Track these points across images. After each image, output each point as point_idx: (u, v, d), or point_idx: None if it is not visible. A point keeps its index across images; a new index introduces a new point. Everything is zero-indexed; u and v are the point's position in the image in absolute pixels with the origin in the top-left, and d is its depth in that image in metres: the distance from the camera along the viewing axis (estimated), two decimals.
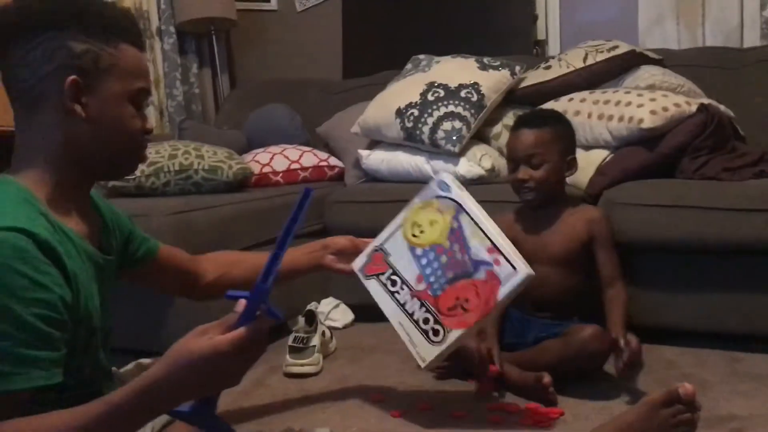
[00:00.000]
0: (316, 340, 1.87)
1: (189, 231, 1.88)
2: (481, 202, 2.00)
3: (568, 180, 2.18)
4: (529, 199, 1.78)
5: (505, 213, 1.87)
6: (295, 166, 2.62)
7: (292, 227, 0.93)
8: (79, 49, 0.95)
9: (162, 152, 2.21)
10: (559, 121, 1.83)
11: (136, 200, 2.08)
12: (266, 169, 2.56)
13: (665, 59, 2.47)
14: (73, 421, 0.80)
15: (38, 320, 0.83)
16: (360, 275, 1.51)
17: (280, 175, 2.58)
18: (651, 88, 2.23)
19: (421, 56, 2.68)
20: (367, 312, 1.94)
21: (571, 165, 1.80)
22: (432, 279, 1.40)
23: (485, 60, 2.48)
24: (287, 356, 1.86)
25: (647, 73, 2.31)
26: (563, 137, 1.78)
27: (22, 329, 0.81)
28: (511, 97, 2.46)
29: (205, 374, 0.84)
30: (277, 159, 2.61)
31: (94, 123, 0.97)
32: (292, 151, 2.67)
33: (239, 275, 1.40)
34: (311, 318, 1.94)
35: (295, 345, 1.87)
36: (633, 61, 2.37)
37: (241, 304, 0.88)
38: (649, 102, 2.06)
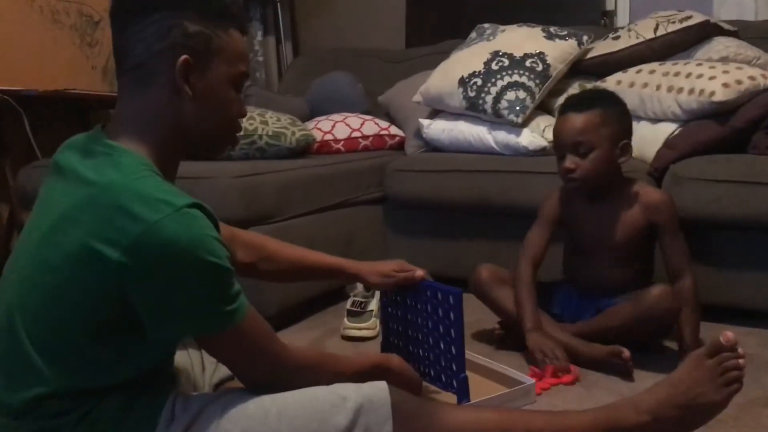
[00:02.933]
0: (373, 305, 1.91)
1: (254, 194, 1.92)
2: (544, 174, 2.01)
3: (634, 154, 2.15)
4: (576, 189, 1.68)
5: (551, 192, 1.79)
6: (356, 134, 2.63)
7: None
8: (193, 30, 0.97)
9: None
10: (610, 102, 1.68)
11: (202, 164, 2.12)
12: (328, 137, 2.59)
13: (740, 31, 2.37)
14: None
15: (232, 268, 0.95)
16: None
17: (342, 143, 2.60)
18: (724, 60, 2.15)
19: (486, 25, 2.64)
20: None
21: (625, 150, 1.66)
22: None
23: (552, 29, 2.44)
24: (345, 320, 1.90)
25: (721, 45, 2.23)
26: (615, 120, 1.65)
27: (231, 276, 0.94)
28: (577, 68, 2.41)
29: None
30: (339, 127, 2.63)
31: (199, 103, 0.99)
32: (354, 120, 2.68)
33: (273, 269, 1.40)
34: None
35: (353, 309, 1.91)
36: (706, 32, 2.29)
37: None
38: (722, 74, 2.00)
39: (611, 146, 1.63)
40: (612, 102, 1.68)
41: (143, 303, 0.90)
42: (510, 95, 2.26)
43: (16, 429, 0.95)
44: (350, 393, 1.00)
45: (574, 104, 1.67)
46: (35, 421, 0.94)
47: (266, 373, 1.00)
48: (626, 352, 1.54)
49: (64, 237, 0.91)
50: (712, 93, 1.96)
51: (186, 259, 0.88)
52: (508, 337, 1.77)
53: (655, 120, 2.14)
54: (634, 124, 2.18)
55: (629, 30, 2.40)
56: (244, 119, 2.21)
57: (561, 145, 1.66)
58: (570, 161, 1.63)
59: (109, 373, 0.95)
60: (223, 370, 1.23)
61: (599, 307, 1.68)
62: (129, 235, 0.86)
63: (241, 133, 1.20)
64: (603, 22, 3.09)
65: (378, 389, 1.02)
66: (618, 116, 1.67)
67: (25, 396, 0.93)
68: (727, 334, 1.10)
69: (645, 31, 2.34)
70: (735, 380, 1.10)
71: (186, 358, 1.22)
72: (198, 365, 1.24)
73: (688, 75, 2.06)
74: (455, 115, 2.44)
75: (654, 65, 2.22)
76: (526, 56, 2.33)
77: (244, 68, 1.04)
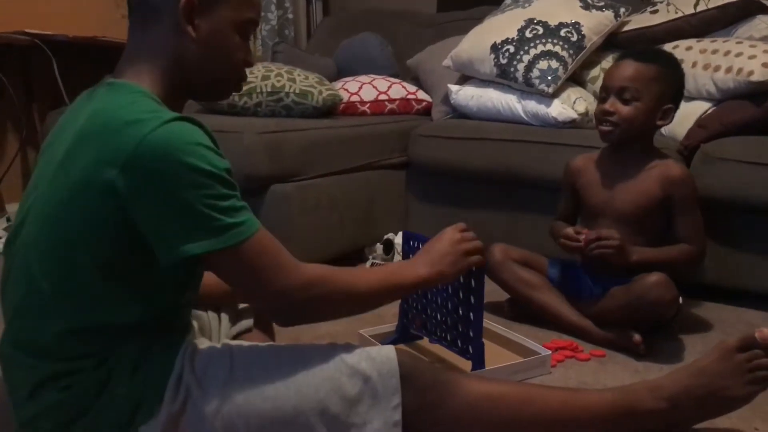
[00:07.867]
0: None
1: (279, 151, 1.92)
2: (572, 146, 1.98)
3: (664, 132, 2.12)
4: (607, 133, 1.66)
5: (594, 152, 1.78)
6: (382, 97, 2.61)
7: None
8: None
9: (255, 73, 2.25)
10: (670, 63, 1.68)
11: (228, 118, 2.13)
12: (354, 98, 2.57)
13: None
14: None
15: (234, 180, 0.93)
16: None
17: (368, 105, 2.58)
18: (766, 39, 2.10)
19: None
20: None
21: (666, 115, 1.65)
22: None
23: None
24: None
25: (763, 24, 2.16)
26: (667, 81, 1.64)
27: (230, 188, 0.92)
28: (612, 40, 2.36)
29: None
30: (366, 89, 2.61)
31: (202, 46, 0.99)
32: (381, 82, 2.66)
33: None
34: (389, 247, 1.97)
35: None
36: (749, 9, 2.23)
37: None
38: (763, 54, 1.94)
39: (655, 105, 1.63)
40: (672, 65, 1.69)
41: (145, 222, 0.89)
42: (542, 64, 2.23)
43: (37, 368, 0.96)
44: (359, 362, 1.00)
45: (636, 53, 1.68)
46: (56, 361, 0.95)
47: (273, 301, 0.97)
48: (637, 337, 1.53)
49: (69, 169, 0.92)
50: (750, 72, 1.92)
51: (178, 166, 0.87)
52: (518, 312, 1.77)
53: (689, 98, 2.09)
54: None
55: (668, 4, 2.34)
56: (271, 76, 2.22)
57: (608, 87, 1.66)
58: (611, 104, 1.64)
59: (123, 312, 0.95)
60: (242, 325, 1.24)
61: (606, 288, 1.65)
62: (123, 152, 0.87)
63: (246, 81, 1.17)
64: None
65: (387, 359, 1.00)
66: (672, 80, 1.66)
67: (45, 334, 0.95)
68: (764, 331, 1.08)
69: (684, 5, 2.28)
70: (763, 380, 1.08)
71: (204, 316, 1.23)
72: (214, 320, 1.24)
73: (727, 53, 2.01)
74: (485, 82, 2.41)
75: (691, 42, 2.17)
76: (561, 25, 2.29)
77: (252, 15, 1.03)
